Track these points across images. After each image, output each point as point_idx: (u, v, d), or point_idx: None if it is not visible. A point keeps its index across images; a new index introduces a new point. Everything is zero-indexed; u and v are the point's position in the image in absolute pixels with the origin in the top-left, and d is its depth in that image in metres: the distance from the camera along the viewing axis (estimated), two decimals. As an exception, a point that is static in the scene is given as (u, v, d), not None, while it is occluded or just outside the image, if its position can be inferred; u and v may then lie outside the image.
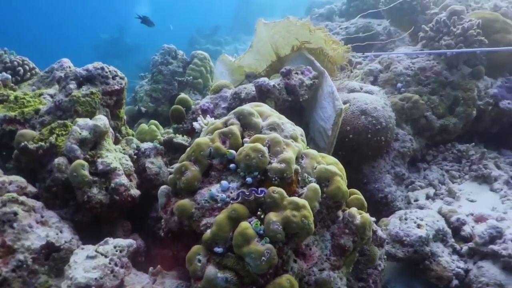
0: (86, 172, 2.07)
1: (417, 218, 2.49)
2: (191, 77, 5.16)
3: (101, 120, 2.26)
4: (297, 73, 2.86)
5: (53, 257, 1.87)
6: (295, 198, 1.55)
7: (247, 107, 1.88)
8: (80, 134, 2.15)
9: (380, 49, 4.37)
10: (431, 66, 3.37)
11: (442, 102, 3.32)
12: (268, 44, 3.34)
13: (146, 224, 2.59)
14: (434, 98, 3.32)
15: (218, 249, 1.46)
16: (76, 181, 2.04)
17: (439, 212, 2.70)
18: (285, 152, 1.68)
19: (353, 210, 1.80)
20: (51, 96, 2.63)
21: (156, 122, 3.81)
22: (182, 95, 3.12)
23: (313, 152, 1.84)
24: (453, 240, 2.49)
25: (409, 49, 3.75)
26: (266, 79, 2.67)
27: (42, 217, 1.95)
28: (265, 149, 1.64)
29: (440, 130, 3.33)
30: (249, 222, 1.48)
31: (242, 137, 1.76)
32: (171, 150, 3.19)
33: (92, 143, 2.21)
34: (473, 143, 3.36)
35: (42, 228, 1.89)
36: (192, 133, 3.00)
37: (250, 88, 2.84)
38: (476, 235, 2.41)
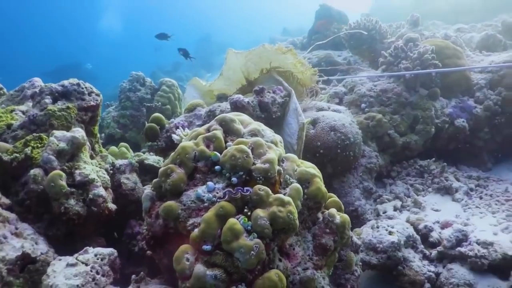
0: (63, 183, 2.04)
1: (388, 226, 2.59)
2: (159, 103, 5.19)
3: (79, 132, 2.25)
4: (269, 92, 2.99)
5: (29, 269, 1.81)
6: (280, 195, 1.62)
7: (228, 114, 1.95)
8: (57, 145, 2.13)
9: (342, 75, 4.62)
10: (392, 88, 3.61)
11: (403, 121, 3.54)
12: (239, 71, 3.47)
13: (120, 241, 2.54)
14: (396, 117, 3.54)
15: (207, 247, 1.48)
16: (53, 191, 2.00)
17: (407, 221, 2.84)
18: (267, 154, 1.75)
19: (333, 210, 1.88)
20: (23, 112, 2.58)
21: (126, 144, 3.79)
22: (156, 113, 3.15)
23: (293, 156, 1.92)
24: (422, 246, 2.61)
25: (370, 73, 4.00)
26: (240, 95, 2.77)
27: (16, 228, 1.89)
28: (249, 150, 1.70)
29: (403, 147, 3.54)
30: (237, 219, 1.52)
31: (225, 142, 1.82)
32: (142, 172, 3.17)
33: (70, 155, 2.19)
34: (433, 159, 3.57)
35: (17, 240, 1.83)
36: (166, 151, 3.02)
37: (224, 106, 2.92)
38: (444, 239, 2.54)
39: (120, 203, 2.49)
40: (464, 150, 3.89)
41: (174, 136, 2.45)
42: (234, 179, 1.64)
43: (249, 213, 1.55)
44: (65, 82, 2.65)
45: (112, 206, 2.25)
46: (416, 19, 4.61)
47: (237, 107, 2.73)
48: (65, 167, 2.14)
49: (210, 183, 1.64)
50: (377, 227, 2.58)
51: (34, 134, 2.30)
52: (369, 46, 4.31)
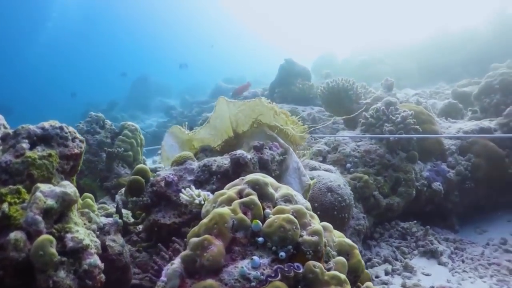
0: (54, 251, 1.68)
1: (393, 295, 2.48)
2: (122, 148, 4.80)
3: (70, 187, 1.92)
4: (266, 148, 2.85)
5: None
6: (336, 273, 1.45)
7: (259, 176, 1.77)
8: (44, 202, 1.78)
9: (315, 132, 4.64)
10: (374, 149, 3.66)
11: (386, 183, 3.57)
12: (227, 121, 3.32)
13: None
14: (380, 178, 3.56)
15: (261, 338, 1.24)
16: (41, 261, 1.63)
17: (403, 286, 2.76)
18: (313, 224, 1.59)
19: (370, 284, 1.73)
20: (-9, 158, 2.18)
21: (91, 195, 3.34)
22: (141, 165, 2.85)
23: (329, 224, 1.77)
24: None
25: (351, 133, 4.05)
26: (243, 151, 2.60)
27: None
28: (297, 221, 1.52)
29: (386, 209, 3.54)
30: (295, 303, 1.31)
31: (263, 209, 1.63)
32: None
33: (58, 215, 1.84)
34: (415, 221, 3.60)
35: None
36: (151, 207, 2.72)
37: (220, 160, 2.73)
38: (448, 310, 2.47)
39: (105, 270, 2.13)
40: (435, 213, 3.99)
41: (183, 196, 2.18)
42: (282, 253, 1.44)
43: (304, 294, 1.36)
44: (45, 125, 2.30)
45: (103, 278, 1.90)
46: (390, 84, 4.86)
47: (239, 164, 2.55)
48: (54, 230, 1.78)
49: (255, 258, 1.42)
50: (384, 297, 2.45)
51: (11, 187, 1.92)
52: (346, 105, 4.41)
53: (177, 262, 1.56)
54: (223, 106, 3.30)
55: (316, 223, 1.61)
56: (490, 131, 4.22)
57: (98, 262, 1.81)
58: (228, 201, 1.64)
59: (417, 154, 3.78)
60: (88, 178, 4.64)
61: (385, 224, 3.64)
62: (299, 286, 1.39)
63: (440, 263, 3.15)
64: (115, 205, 3.76)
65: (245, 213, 1.58)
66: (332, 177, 3.00)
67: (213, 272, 1.42)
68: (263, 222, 1.55)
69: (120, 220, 2.41)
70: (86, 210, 2.36)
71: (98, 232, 2.20)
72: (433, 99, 6.00)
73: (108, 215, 2.87)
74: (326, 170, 3.20)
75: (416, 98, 4.38)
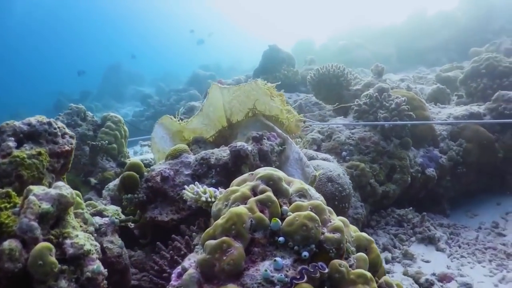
0: (54, 259, 1.55)
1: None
2: (105, 141, 4.61)
3: (66, 188, 1.78)
4: (265, 139, 2.76)
5: None
6: (362, 271, 1.39)
7: (272, 171, 1.68)
8: (39, 207, 1.64)
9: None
10: (369, 136, 3.62)
11: (382, 170, 3.54)
12: (221, 110, 3.20)
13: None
14: (375, 166, 3.53)
15: None
16: (41, 272, 1.51)
17: (405, 274, 2.75)
18: (333, 221, 1.52)
19: (387, 278, 1.68)
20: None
21: (78, 192, 3.18)
22: (134, 159, 2.72)
23: (346, 219, 1.70)
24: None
25: (344, 121, 4.00)
26: (243, 143, 2.50)
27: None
28: (318, 218, 1.44)
29: (382, 196, 3.52)
30: (324, 306, 1.24)
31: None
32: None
33: (54, 219, 1.70)
34: (411, 208, 3.60)
35: None
36: (147, 204, 2.60)
37: (219, 153, 2.62)
38: (453, 296, 2.47)
39: (104, 273, 2.01)
40: (427, 198, 4.00)
41: (188, 194, 2.07)
42: (305, 253, 1.37)
43: (332, 296, 1.29)
44: (32, 120, 2.14)
45: (105, 284, 1.78)
46: (381, 70, 4.81)
47: (240, 156, 2.45)
48: (51, 236, 1.65)
49: (279, 259, 1.34)
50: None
51: (0, 190, 1.76)
52: (337, 92, 4.34)
53: (188, 264, 1.47)
54: (216, 93, 3.17)
55: (335, 219, 1.54)
56: (480, 116, 4.26)
57: (102, 268, 1.69)
58: (243, 199, 1.55)
59: (411, 141, 3.77)
60: (71, 173, 4.43)
61: (381, 211, 3.62)
62: (325, 287, 1.32)
63: (438, 249, 3.16)
64: (103, 201, 3.63)
65: (262, 211, 1.49)
66: (332, 167, 2.94)
67: (233, 277, 1.33)
68: (281, 220, 1.47)
69: (117, 220, 2.30)
70: (80, 210, 2.22)
71: (95, 234, 2.07)
72: (417, 84, 6.01)
73: (98, 213, 2.73)
74: (324, 159, 3.14)
75: (407, 84, 4.37)
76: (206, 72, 18.55)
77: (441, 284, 2.63)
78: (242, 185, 1.71)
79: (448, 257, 3.06)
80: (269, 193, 1.54)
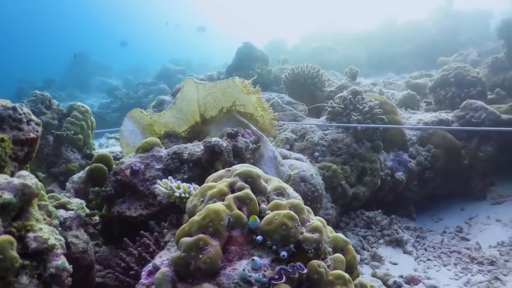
0: (16, 254, 1.44)
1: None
2: (71, 131, 4.41)
3: (30, 178, 1.66)
4: (240, 136, 2.71)
5: None
6: (341, 272, 1.37)
7: (251, 168, 1.64)
8: (0, 197, 1.53)
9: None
10: (342, 138, 3.64)
11: (353, 172, 3.57)
12: (195, 104, 3.13)
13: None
14: (347, 168, 3.56)
15: None
16: (1, 267, 1.39)
17: (374, 276, 2.78)
18: (311, 220, 1.49)
19: (361, 280, 1.68)
20: None
21: (41, 184, 3.02)
22: (102, 151, 2.60)
23: (323, 220, 1.68)
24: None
25: (318, 121, 4.01)
26: (218, 139, 2.44)
27: None
28: (297, 217, 1.42)
29: (352, 198, 3.54)
30: (302, 308, 1.22)
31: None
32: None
33: (17, 211, 1.59)
34: (379, 210, 3.65)
35: None
36: (115, 198, 2.49)
37: (192, 148, 2.54)
38: (420, 298, 2.52)
39: (67, 270, 1.90)
40: (395, 201, 4.08)
41: (160, 188, 1.98)
42: (283, 253, 1.34)
43: (310, 298, 1.27)
44: (-5, 105, 2.00)
45: (70, 281, 1.68)
46: (355, 72, 4.86)
47: (214, 152, 2.39)
48: (13, 229, 1.53)
49: (256, 259, 1.30)
50: None
51: (-45, 178, 1.63)
52: (311, 93, 4.35)
53: (160, 262, 1.41)
54: (191, 88, 3.09)
55: (314, 219, 1.52)
56: (448, 123, 4.39)
57: (67, 264, 1.59)
58: (220, 196, 1.50)
59: (382, 144, 3.82)
60: (33, 163, 4.19)
61: (351, 213, 3.65)
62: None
63: (405, 252, 3.22)
64: (66, 194, 3.46)
65: (239, 209, 1.45)
66: (305, 167, 2.93)
67: (209, 276, 1.28)
68: (259, 218, 1.44)
69: (82, 214, 2.18)
70: (43, 202, 2.10)
71: (60, 228, 1.96)
72: (388, 89, 6.14)
73: (61, 206, 2.60)
74: (297, 159, 3.13)
75: (379, 88, 4.45)
76: (176, 66, 18.27)
77: (408, 286, 2.67)
78: (218, 181, 1.66)
79: (415, 259, 3.12)
80: (248, 190, 1.50)
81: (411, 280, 2.75)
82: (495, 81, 6.10)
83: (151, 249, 2.08)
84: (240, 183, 1.55)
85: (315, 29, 18.39)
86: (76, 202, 2.68)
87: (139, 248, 2.10)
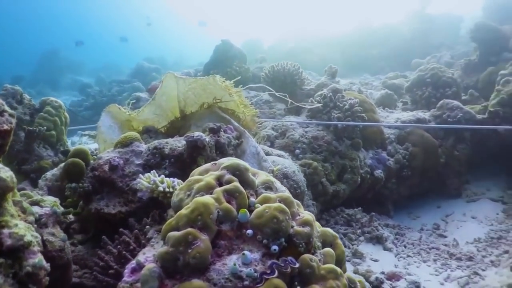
0: (-12, 251, 1.35)
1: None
2: (44, 127, 4.23)
3: (5, 171, 1.57)
4: (222, 131, 2.66)
5: None
6: (333, 266, 1.36)
7: (238, 161, 1.60)
8: (-29, 192, 1.43)
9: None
10: (322, 135, 3.64)
11: (333, 169, 3.58)
12: (175, 100, 3.06)
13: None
14: (327, 165, 3.56)
15: None
16: (-28, 265, 1.31)
17: (356, 273, 2.78)
18: (301, 214, 1.47)
19: (351, 275, 1.66)
20: None
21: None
22: (80, 147, 2.49)
23: (311, 214, 1.66)
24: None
25: (298, 119, 4.00)
26: (201, 133, 2.38)
27: None
28: (288, 210, 1.39)
29: (332, 196, 3.55)
30: (296, 303, 1.19)
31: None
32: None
33: (-12, 206, 1.49)
34: (359, 208, 3.67)
35: None
36: (92, 195, 2.40)
37: (173, 143, 2.48)
38: (402, 293, 2.53)
39: (43, 269, 1.80)
40: (377, 200, 4.12)
41: (143, 183, 1.91)
42: (274, 247, 1.30)
43: (303, 292, 1.24)
44: (-36, 97, 1.88)
45: (47, 280, 1.60)
46: (334, 71, 4.88)
47: (196, 147, 2.33)
48: (-15, 224, 1.44)
49: (247, 253, 1.26)
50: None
51: None
52: (291, 90, 4.34)
53: (144, 259, 1.35)
54: (171, 83, 3.02)
55: (304, 212, 1.49)
56: (425, 122, 4.47)
57: (44, 262, 1.51)
58: (208, 189, 1.45)
59: (361, 142, 3.85)
60: (3, 160, 3.99)
61: (331, 210, 3.66)
62: (295, 283, 1.27)
63: (385, 249, 3.25)
64: (39, 192, 3.32)
65: (228, 202, 1.41)
66: (287, 163, 2.91)
67: (199, 271, 1.23)
68: (249, 212, 1.40)
69: (59, 210, 2.09)
70: (17, 198, 1.99)
71: (35, 225, 1.86)
72: (365, 88, 6.20)
73: (34, 203, 2.48)
74: (279, 156, 3.10)
75: (358, 87, 4.50)
76: (151, 64, 17.98)
77: (390, 282, 2.69)
78: (205, 174, 1.61)
79: (395, 256, 3.15)
80: (237, 183, 1.45)
81: (392, 277, 2.77)
82: (468, 82, 6.28)
83: (131, 247, 2.00)
84: (228, 176, 1.51)
85: (291, 30, 18.47)
86: (50, 200, 2.56)
87: (118, 246, 2.01)
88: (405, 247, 3.34)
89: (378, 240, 3.31)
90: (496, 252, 3.13)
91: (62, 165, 2.99)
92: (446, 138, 4.48)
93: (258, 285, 1.19)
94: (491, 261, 2.97)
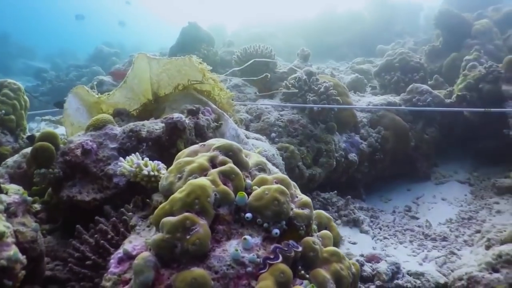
0: (-45, 244, 1.21)
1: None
2: (2, 111, 3.92)
3: (-32, 156, 1.40)
4: (201, 113, 2.55)
5: None
6: (334, 248, 1.31)
7: (231, 142, 1.52)
8: None
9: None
10: (297, 119, 3.60)
11: (309, 153, 3.56)
12: (147, 82, 2.90)
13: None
14: (303, 149, 3.53)
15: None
16: None
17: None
18: (299, 196, 1.41)
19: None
20: None
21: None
22: (48, 129, 2.31)
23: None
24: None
25: (273, 102, 3.94)
26: (181, 115, 2.26)
27: None
28: (288, 192, 1.33)
29: (308, 180, 3.53)
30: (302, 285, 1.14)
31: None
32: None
33: (-47, 195, 1.33)
34: (335, 191, 3.68)
35: None
36: (64, 181, 2.23)
37: (150, 125, 2.34)
38: (382, 273, 2.56)
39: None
40: (351, 183, 4.15)
41: (125, 166, 1.77)
42: (276, 230, 1.25)
43: (306, 275, 1.19)
44: None
45: (23, 274, 1.47)
46: (307, 54, 4.84)
47: (176, 129, 2.22)
48: (-50, 215, 1.29)
49: (248, 238, 1.20)
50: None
51: None
52: (263, 73, 4.25)
53: (132, 247, 1.26)
54: (143, 64, 2.85)
55: (302, 194, 1.44)
56: (396, 105, 4.54)
57: (19, 255, 1.38)
58: (201, 171, 1.36)
59: (335, 125, 3.85)
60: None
61: (307, 194, 3.64)
62: (299, 267, 1.21)
63: (362, 231, 3.28)
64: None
65: (224, 185, 1.32)
66: (266, 146, 2.86)
67: (198, 259, 1.15)
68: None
69: (29, 198, 1.91)
70: (-20, 187, 1.82)
71: (5, 215, 1.70)
72: (336, 72, 6.24)
73: (-3, 192, 2.29)
74: (257, 139, 3.04)
75: (330, 70, 4.49)
76: (110, 49, 17.27)
77: (370, 264, 2.71)
78: (194, 156, 1.51)
79: (372, 238, 3.19)
80: (232, 165, 1.37)
81: (372, 258, 2.79)
82: (432, 68, 6.43)
83: (109, 236, 1.87)
84: (221, 157, 1.43)
85: (255, 16, 18.26)
86: (13, 188, 2.36)
87: (95, 236, 1.88)
88: (380, 229, 3.39)
89: (355, 223, 3.34)
90: (468, 232, 3.25)
91: (25, 150, 2.78)
92: (416, 121, 4.58)
93: (262, 271, 1.13)
94: (465, 241, 3.08)
